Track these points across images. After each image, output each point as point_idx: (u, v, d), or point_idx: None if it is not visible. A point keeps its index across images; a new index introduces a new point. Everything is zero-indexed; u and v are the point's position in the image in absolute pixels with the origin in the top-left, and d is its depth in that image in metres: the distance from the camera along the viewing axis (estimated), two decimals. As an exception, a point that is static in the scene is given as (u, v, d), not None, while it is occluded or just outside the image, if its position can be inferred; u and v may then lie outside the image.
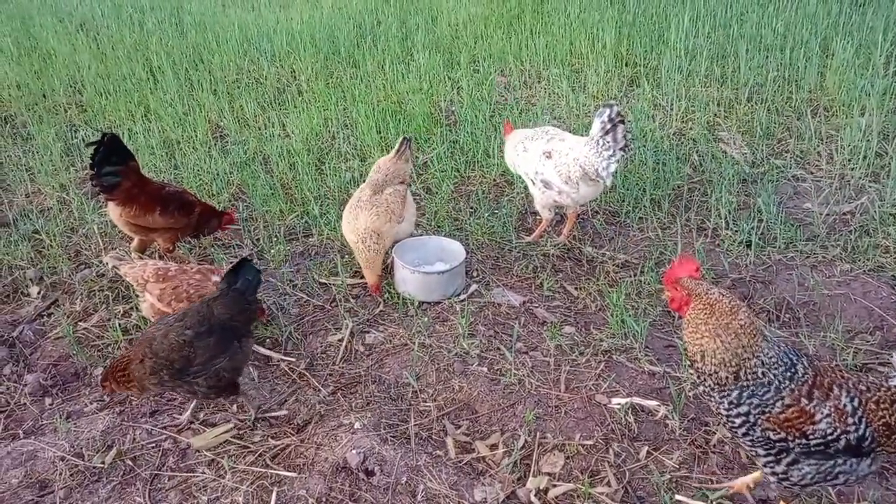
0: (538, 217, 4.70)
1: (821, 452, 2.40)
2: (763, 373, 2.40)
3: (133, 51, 7.97)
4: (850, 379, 2.44)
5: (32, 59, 7.86)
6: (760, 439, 2.45)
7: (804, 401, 2.37)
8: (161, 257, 4.32)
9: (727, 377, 2.42)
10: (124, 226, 4.24)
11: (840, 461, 2.42)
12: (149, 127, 6.18)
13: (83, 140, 6.06)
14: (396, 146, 4.42)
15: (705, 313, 2.46)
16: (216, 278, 3.66)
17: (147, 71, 7.34)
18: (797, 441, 2.39)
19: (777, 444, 2.42)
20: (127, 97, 6.76)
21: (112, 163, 4.06)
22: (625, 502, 2.86)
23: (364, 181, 4.40)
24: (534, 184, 4.39)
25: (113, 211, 4.21)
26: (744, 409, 2.43)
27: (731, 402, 2.46)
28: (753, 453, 2.55)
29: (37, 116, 6.56)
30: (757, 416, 2.42)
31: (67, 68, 7.60)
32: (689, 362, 2.54)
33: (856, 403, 2.38)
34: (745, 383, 2.41)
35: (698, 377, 2.51)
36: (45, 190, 5.42)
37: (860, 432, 2.36)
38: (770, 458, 2.49)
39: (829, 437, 2.36)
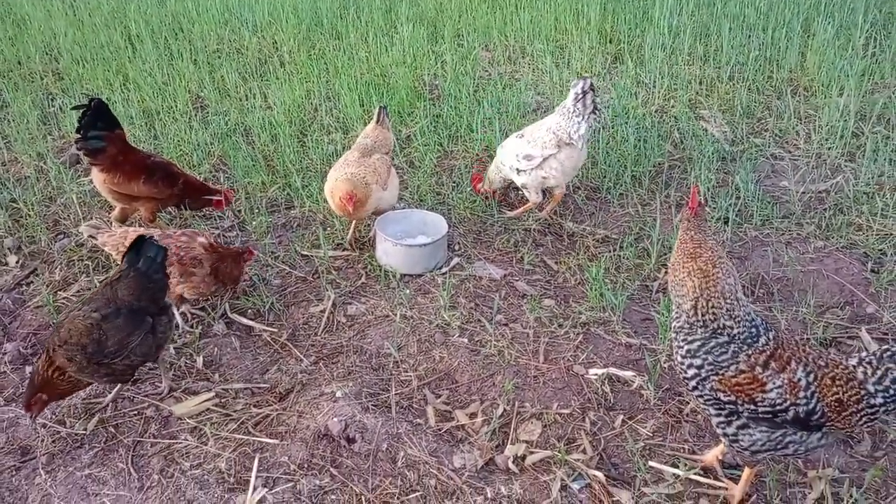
0: (520, 193, 4.73)
1: (769, 421, 2.47)
2: (724, 323, 2.48)
3: (111, 18, 7.82)
4: (811, 354, 2.51)
5: (6, 25, 7.69)
6: (710, 399, 2.53)
7: (758, 369, 2.44)
8: (141, 226, 4.30)
9: (689, 309, 2.52)
10: (108, 193, 4.21)
11: (790, 432, 2.50)
12: (127, 96, 6.09)
13: (60, 108, 5.96)
14: (375, 115, 4.57)
15: (696, 255, 2.56)
16: (202, 240, 3.66)
17: (125, 39, 7.20)
18: (746, 406, 2.47)
19: (727, 405, 2.50)
20: (105, 65, 6.65)
21: (98, 127, 4.05)
22: (600, 468, 2.94)
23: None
24: (519, 172, 4.44)
25: (97, 177, 4.18)
26: (698, 361, 2.51)
27: (687, 352, 2.54)
28: (707, 413, 2.64)
29: (12, 84, 6.43)
30: (709, 374, 2.50)
31: (43, 35, 7.44)
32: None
33: (811, 378, 2.44)
34: (706, 331, 2.49)
35: (682, 319, 2.58)
36: (21, 158, 5.34)
37: (810, 406, 2.43)
38: (721, 420, 2.57)
39: (778, 408, 2.44)
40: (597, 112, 4.30)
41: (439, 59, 6.79)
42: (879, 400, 2.44)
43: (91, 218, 4.53)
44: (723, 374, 2.47)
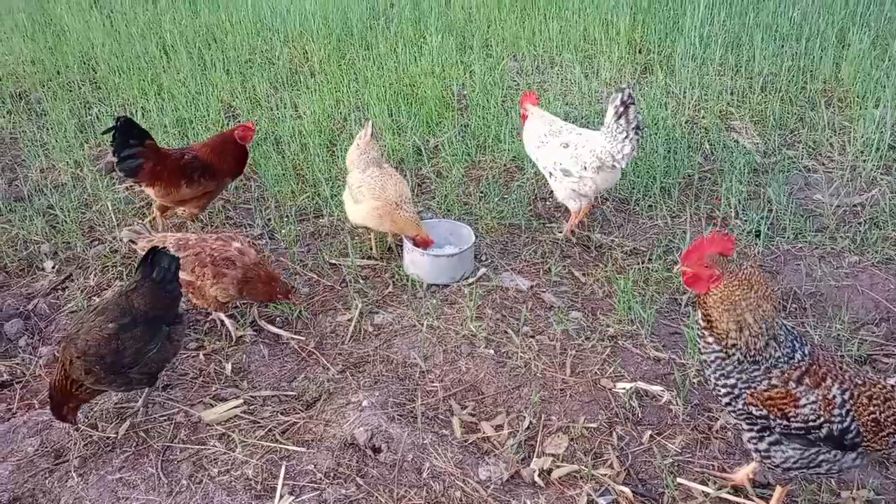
0: (548, 202, 4.72)
1: (801, 437, 2.43)
2: (775, 348, 2.43)
3: (146, 29, 7.98)
4: (848, 372, 2.46)
5: (46, 36, 7.89)
6: (742, 413, 2.49)
7: (792, 384, 2.40)
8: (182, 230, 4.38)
9: (761, 346, 2.43)
10: (165, 202, 4.40)
11: (823, 450, 2.44)
12: (162, 105, 6.21)
13: (97, 117, 6.10)
14: (370, 130, 4.44)
15: (743, 288, 2.43)
16: (237, 244, 3.69)
17: (160, 49, 7.35)
18: (778, 421, 2.42)
19: (759, 420, 2.46)
20: (140, 75, 6.79)
21: (130, 145, 4.17)
22: (627, 484, 2.91)
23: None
24: (552, 176, 4.39)
25: (147, 190, 4.36)
26: (731, 381, 2.47)
27: (721, 375, 2.49)
28: (739, 427, 2.60)
29: (51, 93, 6.60)
30: (742, 390, 2.46)
31: (81, 45, 7.62)
32: (713, 339, 2.49)
33: (846, 396, 2.39)
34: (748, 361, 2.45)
35: (727, 353, 2.48)
36: (59, 166, 5.47)
37: (845, 424, 2.38)
38: (753, 434, 2.53)
39: (811, 424, 2.39)
40: (640, 130, 4.12)
41: (468, 69, 6.81)
42: None
43: (127, 224, 4.61)
44: (755, 388, 2.43)
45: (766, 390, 2.42)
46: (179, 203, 4.39)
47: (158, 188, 4.27)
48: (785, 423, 2.42)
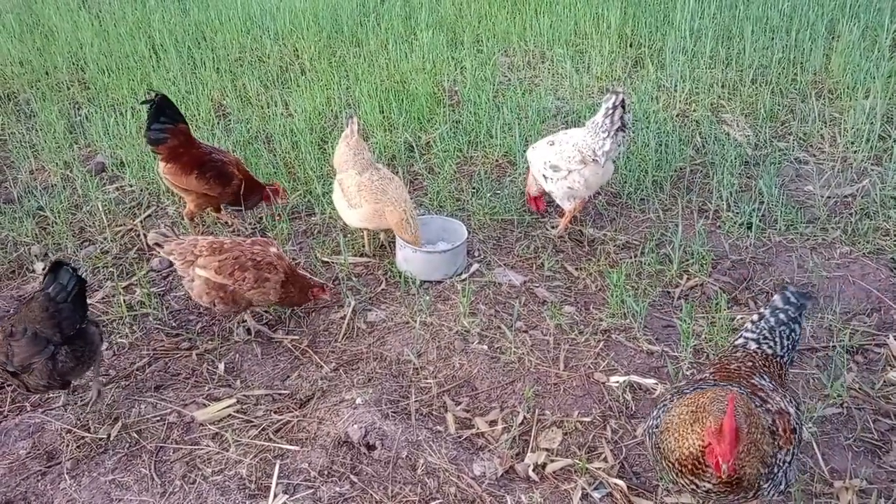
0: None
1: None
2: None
3: (135, 29, 7.93)
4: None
5: (35, 36, 7.83)
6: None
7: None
8: (211, 233, 4.36)
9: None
10: (169, 184, 4.44)
11: None
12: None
13: (86, 117, 6.06)
14: (357, 127, 4.36)
15: (752, 424, 2.24)
16: (273, 249, 3.66)
17: (150, 49, 7.31)
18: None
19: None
20: (130, 75, 6.75)
21: (161, 122, 4.29)
22: (621, 477, 2.92)
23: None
24: (546, 178, 4.40)
25: (159, 166, 4.42)
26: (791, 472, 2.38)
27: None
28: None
29: (40, 94, 6.55)
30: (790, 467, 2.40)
31: (70, 45, 7.57)
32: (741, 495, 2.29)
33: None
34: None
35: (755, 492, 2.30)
36: (48, 167, 5.44)
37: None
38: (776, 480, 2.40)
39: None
40: (624, 130, 4.17)
41: (459, 65, 6.80)
42: None
43: (153, 228, 4.59)
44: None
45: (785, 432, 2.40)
46: (182, 190, 4.41)
47: (171, 166, 4.33)
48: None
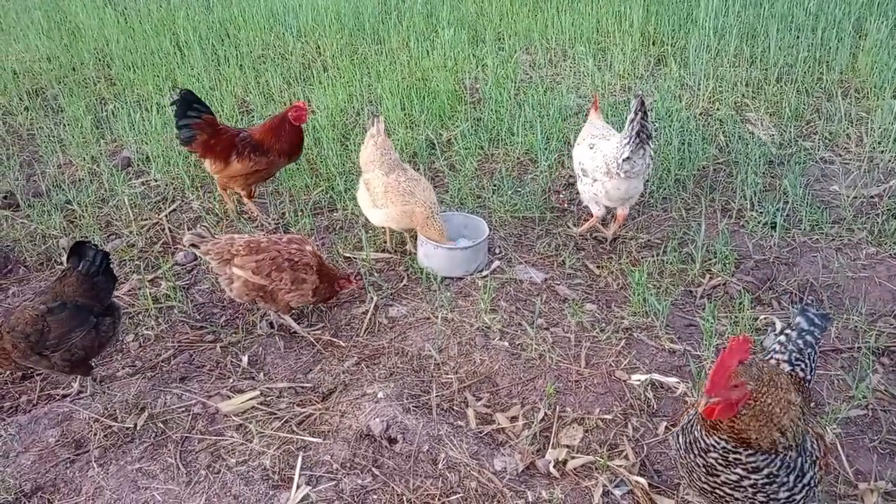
0: (561, 195, 4.70)
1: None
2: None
3: (160, 25, 8.03)
4: None
5: (62, 33, 7.97)
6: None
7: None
8: (246, 233, 4.39)
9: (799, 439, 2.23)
10: (218, 179, 4.59)
11: None
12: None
13: (112, 113, 6.15)
14: (382, 125, 4.32)
15: (773, 395, 2.14)
16: (309, 248, 3.68)
17: (174, 45, 7.40)
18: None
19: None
20: (154, 71, 6.84)
21: (188, 116, 4.42)
22: (642, 475, 2.91)
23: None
24: (578, 177, 4.37)
25: (204, 163, 4.58)
26: (807, 477, 2.25)
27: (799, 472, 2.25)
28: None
29: (67, 89, 6.66)
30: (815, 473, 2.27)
31: (96, 42, 7.69)
32: (764, 450, 2.18)
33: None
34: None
35: (781, 457, 2.19)
36: (76, 161, 5.53)
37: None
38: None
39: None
40: (649, 138, 3.90)
41: (480, 62, 6.80)
42: None
43: (189, 229, 4.65)
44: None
45: (824, 456, 2.31)
46: (231, 180, 4.52)
47: (211, 161, 4.47)
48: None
